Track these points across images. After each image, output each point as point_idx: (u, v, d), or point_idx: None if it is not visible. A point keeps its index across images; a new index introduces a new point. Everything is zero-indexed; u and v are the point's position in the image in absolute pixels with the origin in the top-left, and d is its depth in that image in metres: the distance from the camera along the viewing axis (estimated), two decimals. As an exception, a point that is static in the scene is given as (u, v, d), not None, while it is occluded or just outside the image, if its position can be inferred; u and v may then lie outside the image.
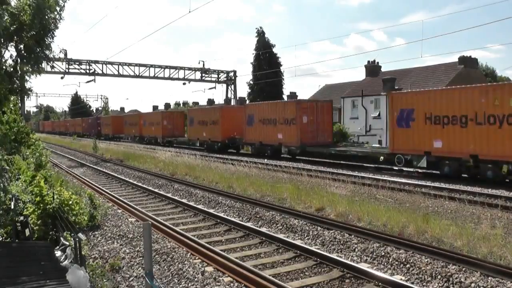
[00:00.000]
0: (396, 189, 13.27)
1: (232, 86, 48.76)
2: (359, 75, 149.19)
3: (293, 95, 50.21)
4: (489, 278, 6.07)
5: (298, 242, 8.22)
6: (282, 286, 5.87)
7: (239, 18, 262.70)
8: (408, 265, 6.86)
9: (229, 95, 49.03)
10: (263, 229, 9.29)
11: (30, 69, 7.57)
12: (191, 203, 12.30)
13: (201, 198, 13.22)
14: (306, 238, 8.81)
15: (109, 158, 27.46)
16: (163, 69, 44.95)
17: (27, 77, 7.64)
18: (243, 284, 6.20)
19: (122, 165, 23.37)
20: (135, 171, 20.35)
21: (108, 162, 25.31)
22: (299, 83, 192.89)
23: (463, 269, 6.40)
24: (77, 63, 41.38)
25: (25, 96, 8.25)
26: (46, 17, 6.97)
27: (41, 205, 7.69)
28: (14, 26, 6.67)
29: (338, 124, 31.83)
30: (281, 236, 8.70)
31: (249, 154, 27.87)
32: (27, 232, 7.02)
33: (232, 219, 10.24)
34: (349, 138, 30.20)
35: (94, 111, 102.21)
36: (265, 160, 23.02)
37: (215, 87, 50.87)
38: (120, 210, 11.55)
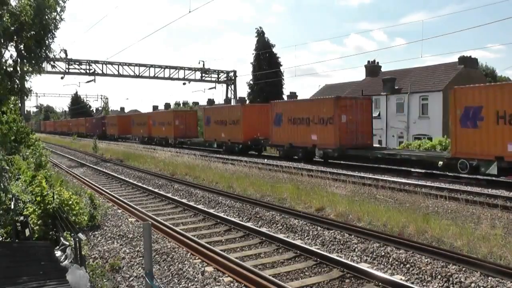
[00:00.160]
0: (396, 189, 13.26)
1: (232, 86, 48.81)
2: (359, 75, 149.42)
3: (293, 95, 50.27)
4: (489, 278, 6.07)
5: (298, 242, 8.22)
6: (282, 286, 5.87)
7: (239, 18, 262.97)
8: (408, 265, 6.86)
9: (229, 95, 49.08)
10: (263, 229, 9.29)
11: (30, 69, 7.57)
12: (191, 203, 12.30)
13: (201, 198, 13.22)
14: (306, 238, 8.81)
15: (109, 158, 27.47)
16: (163, 69, 44.99)
17: (27, 77, 7.65)
18: (243, 284, 6.20)
19: (122, 165, 23.37)
20: (135, 171, 20.35)
21: (108, 162, 25.32)
22: (299, 83, 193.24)
23: (463, 269, 6.40)
24: (77, 63, 41.41)
25: (25, 96, 8.25)
26: (46, 17, 6.97)
27: (42, 205, 7.69)
28: (15, 26, 6.67)
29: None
30: (281, 236, 8.69)
31: (273, 157, 25.39)
32: (27, 232, 7.02)
33: (232, 219, 10.24)
34: None
35: (94, 111, 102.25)
36: (265, 160, 23.00)
37: (215, 87, 50.94)
38: (120, 210, 11.56)
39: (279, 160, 22.15)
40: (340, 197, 11.29)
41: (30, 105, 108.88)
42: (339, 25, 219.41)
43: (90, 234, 9.10)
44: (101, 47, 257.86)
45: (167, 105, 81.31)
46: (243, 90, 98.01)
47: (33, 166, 12.63)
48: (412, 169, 17.60)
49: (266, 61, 49.33)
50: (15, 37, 6.96)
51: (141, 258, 7.19)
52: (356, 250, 7.80)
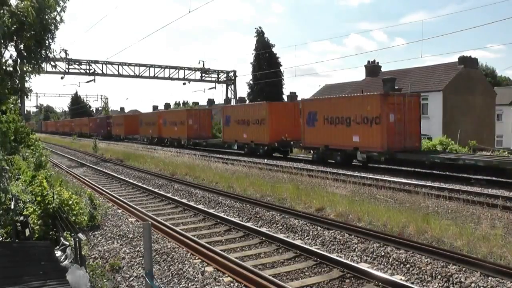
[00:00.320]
0: (396, 189, 13.27)
1: (232, 86, 48.84)
2: (359, 75, 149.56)
3: (293, 95, 50.23)
4: (489, 278, 6.07)
5: (298, 242, 8.22)
6: (282, 286, 5.87)
7: (239, 18, 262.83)
8: (408, 265, 6.86)
9: (229, 95, 49.10)
10: (263, 229, 9.28)
11: (30, 69, 7.56)
12: (191, 203, 12.30)
13: (201, 198, 13.22)
14: (306, 238, 8.81)
15: (109, 158, 27.46)
16: (163, 69, 45.01)
17: (27, 77, 7.64)
18: (243, 284, 6.20)
19: (122, 165, 23.37)
20: (135, 171, 20.35)
21: (108, 162, 25.31)
22: (299, 83, 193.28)
23: (463, 269, 6.40)
24: (77, 63, 41.45)
25: (25, 96, 8.24)
26: (46, 17, 6.96)
27: (42, 205, 7.70)
28: (15, 26, 6.66)
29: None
30: (281, 236, 8.69)
31: (301, 160, 23.74)
32: (27, 232, 7.02)
33: (232, 219, 10.24)
34: None
35: (94, 111, 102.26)
36: (265, 160, 22.98)
37: (215, 87, 51.02)
38: (120, 210, 11.56)
39: (279, 160, 22.15)
40: (340, 197, 11.29)
41: (30, 105, 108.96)
42: (339, 25, 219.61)
43: (90, 234, 9.09)
44: (101, 47, 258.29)
45: (167, 105, 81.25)
46: (243, 90, 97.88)
47: (33, 166, 12.63)
48: (473, 176, 15.27)
49: (266, 61, 49.37)
50: (15, 37, 6.95)
51: (141, 258, 7.20)
52: (356, 250, 7.79)
